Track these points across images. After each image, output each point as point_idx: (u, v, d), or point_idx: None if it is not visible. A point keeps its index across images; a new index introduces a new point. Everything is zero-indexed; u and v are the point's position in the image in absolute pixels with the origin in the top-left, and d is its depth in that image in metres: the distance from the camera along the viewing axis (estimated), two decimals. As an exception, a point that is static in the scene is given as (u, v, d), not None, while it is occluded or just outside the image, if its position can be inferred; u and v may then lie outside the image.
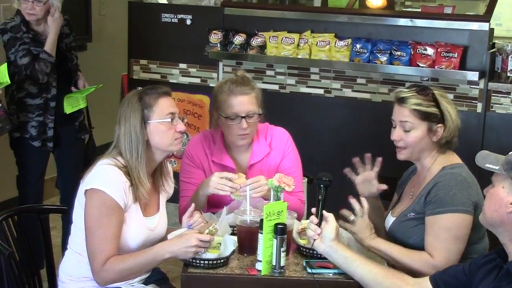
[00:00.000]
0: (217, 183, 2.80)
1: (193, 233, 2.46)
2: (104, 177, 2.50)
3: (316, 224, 2.45)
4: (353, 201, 2.63)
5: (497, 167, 2.09)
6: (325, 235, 2.42)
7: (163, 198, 2.73)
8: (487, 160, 2.13)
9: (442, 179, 2.58)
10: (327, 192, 2.51)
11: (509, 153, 2.11)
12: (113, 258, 2.46)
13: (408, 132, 2.63)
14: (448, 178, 2.57)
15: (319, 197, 2.49)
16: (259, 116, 2.97)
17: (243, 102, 2.92)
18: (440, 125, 2.63)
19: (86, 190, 2.51)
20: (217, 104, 2.98)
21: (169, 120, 2.56)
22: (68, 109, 3.98)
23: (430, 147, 2.66)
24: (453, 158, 2.69)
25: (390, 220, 2.77)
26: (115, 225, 2.48)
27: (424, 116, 2.62)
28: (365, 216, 2.62)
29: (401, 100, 2.63)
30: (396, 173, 2.95)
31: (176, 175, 2.97)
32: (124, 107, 2.57)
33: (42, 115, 3.93)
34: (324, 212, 2.45)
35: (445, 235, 2.51)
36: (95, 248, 2.47)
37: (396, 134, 2.66)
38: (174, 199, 2.97)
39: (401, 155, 2.69)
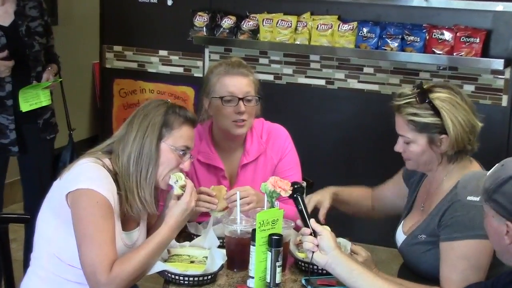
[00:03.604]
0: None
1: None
2: (90, 174, 2.47)
3: (311, 234, 2.42)
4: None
5: (477, 199, 2.09)
6: (323, 245, 2.39)
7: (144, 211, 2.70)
8: (467, 190, 2.12)
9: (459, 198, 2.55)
10: (304, 198, 2.51)
11: (484, 179, 2.07)
12: (118, 261, 2.41)
13: (408, 144, 2.63)
14: None
15: (299, 208, 2.48)
16: (258, 102, 2.96)
17: (241, 83, 2.92)
18: (443, 135, 2.57)
19: (69, 193, 2.47)
20: (208, 88, 2.97)
21: (181, 153, 2.56)
22: (25, 106, 3.89)
23: (437, 159, 2.63)
24: (471, 168, 2.63)
25: (400, 236, 2.75)
26: (112, 226, 2.45)
27: (422, 128, 2.57)
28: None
29: (397, 109, 2.62)
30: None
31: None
32: (147, 109, 2.57)
33: None
34: (312, 224, 2.42)
35: (463, 265, 2.47)
36: (94, 257, 2.39)
37: (398, 146, 2.66)
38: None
39: (408, 166, 2.71)
